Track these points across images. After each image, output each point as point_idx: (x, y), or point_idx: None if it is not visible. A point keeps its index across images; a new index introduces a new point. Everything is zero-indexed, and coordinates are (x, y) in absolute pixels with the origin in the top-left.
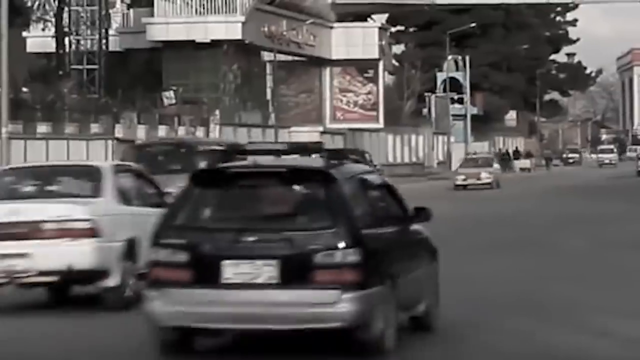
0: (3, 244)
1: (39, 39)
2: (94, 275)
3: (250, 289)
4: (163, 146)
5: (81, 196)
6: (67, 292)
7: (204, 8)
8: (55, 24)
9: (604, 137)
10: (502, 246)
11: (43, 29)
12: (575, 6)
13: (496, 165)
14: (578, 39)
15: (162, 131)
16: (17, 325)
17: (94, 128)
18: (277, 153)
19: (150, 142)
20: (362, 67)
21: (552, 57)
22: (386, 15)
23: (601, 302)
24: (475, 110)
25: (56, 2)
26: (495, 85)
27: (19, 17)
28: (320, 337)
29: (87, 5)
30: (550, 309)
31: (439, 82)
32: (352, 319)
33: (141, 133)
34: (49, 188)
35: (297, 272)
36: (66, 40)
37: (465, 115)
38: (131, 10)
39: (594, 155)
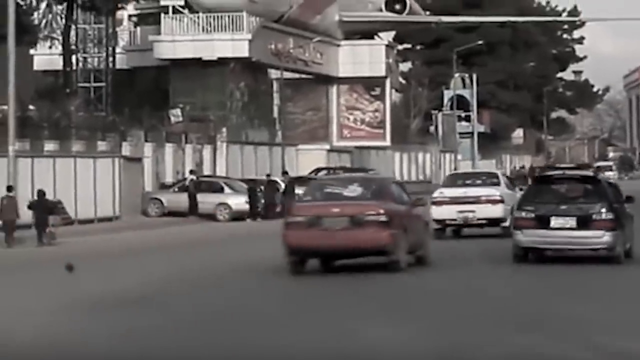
0: (462, 206)
1: (46, 56)
2: (501, 220)
3: (563, 230)
4: None
5: (493, 185)
6: (460, 232)
7: (210, 26)
8: (63, 41)
9: (611, 154)
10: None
11: (50, 47)
12: (582, 24)
13: None
14: (585, 57)
15: (169, 149)
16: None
17: (101, 146)
18: (568, 169)
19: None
20: (369, 85)
21: (559, 75)
22: (393, 33)
23: (609, 320)
24: (482, 128)
25: (63, 20)
26: (503, 103)
27: (26, 35)
28: (588, 257)
29: (94, 23)
30: (556, 326)
31: (445, 99)
32: (609, 245)
33: (148, 151)
34: (477, 181)
35: (584, 222)
36: (73, 58)
37: (472, 133)
38: (138, 28)
39: (609, 173)
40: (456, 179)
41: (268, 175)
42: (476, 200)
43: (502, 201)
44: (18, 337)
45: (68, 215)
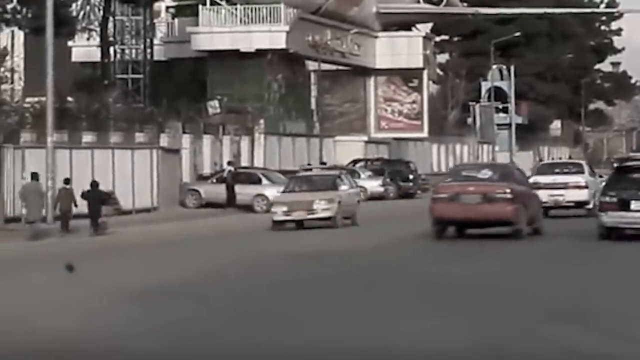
0: (553, 191)
1: (84, 48)
2: (586, 203)
3: None
4: None
5: (578, 173)
6: (548, 212)
7: (248, 18)
8: (100, 33)
9: None
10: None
11: (88, 39)
12: (620, 15)
13: (344, 187)
14: (623, 48)
15: (206, 140)
16: None
17: (139, 137)
18: None
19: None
20: (407, 77)
21: (597, 66)
22: (431, 25)
23: None
24: (520, 120)
25: (101, 12)
26: (540, 95)
27: (64, 27)
28: None
29: (132, 14)
30: (597, 319)
31: (483, 91)
32: None
33: (186, 142)
34: (565, 170)
35: None
36: (111, 49)
37: (510, 125)
38: (176, 20)
39: None
40: (547, 168)
41: (309, 165)
42: (565, 186)
43: (586, 187)
44: (58, 326)
45: (119, 206)
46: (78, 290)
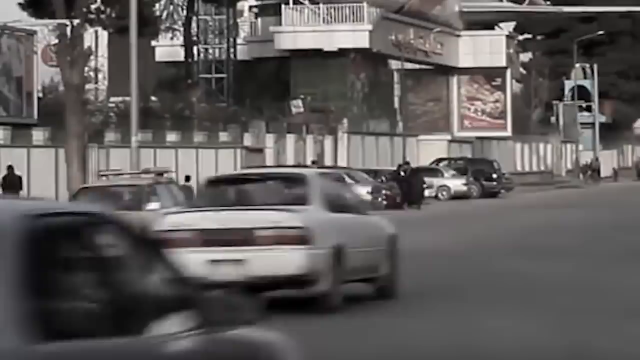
0: None
1: (168, 48)
2: None
3: None
4: None
5: None
6: None
7: (331, 17)
8: (184, 33)
9: None
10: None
11: (172, 38)
12: None
13: (154, 205)
14: None
15: (290, 140)
16: None
17: (223, 137)
18: None
19: None
20: (490, 75)
21: None
22: (513, 23)
23: None
24: (603, 119)
25: (184, 12)
26: (624, 93)
27: (148, 27)
28: None
29: (215, 14)
30: None
31: (566, 90)
32: None
33: (269, 142)
34: None
35: None
36: (194, 49)
37: (593, 124)
38: (259, 19)
39: None
40: None
41: (405, 164)
42: None
43: None
44: None
45: None
46: None
